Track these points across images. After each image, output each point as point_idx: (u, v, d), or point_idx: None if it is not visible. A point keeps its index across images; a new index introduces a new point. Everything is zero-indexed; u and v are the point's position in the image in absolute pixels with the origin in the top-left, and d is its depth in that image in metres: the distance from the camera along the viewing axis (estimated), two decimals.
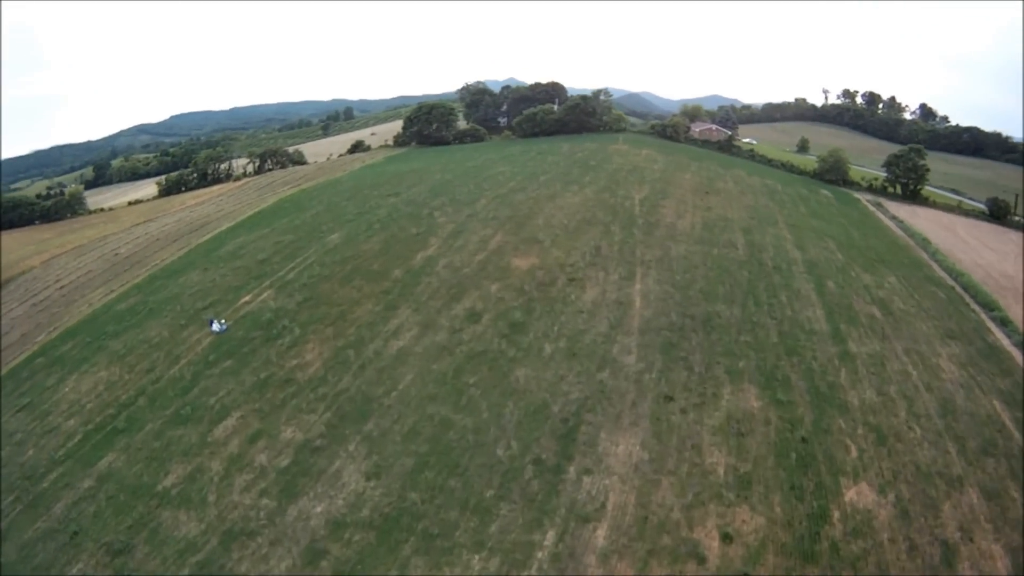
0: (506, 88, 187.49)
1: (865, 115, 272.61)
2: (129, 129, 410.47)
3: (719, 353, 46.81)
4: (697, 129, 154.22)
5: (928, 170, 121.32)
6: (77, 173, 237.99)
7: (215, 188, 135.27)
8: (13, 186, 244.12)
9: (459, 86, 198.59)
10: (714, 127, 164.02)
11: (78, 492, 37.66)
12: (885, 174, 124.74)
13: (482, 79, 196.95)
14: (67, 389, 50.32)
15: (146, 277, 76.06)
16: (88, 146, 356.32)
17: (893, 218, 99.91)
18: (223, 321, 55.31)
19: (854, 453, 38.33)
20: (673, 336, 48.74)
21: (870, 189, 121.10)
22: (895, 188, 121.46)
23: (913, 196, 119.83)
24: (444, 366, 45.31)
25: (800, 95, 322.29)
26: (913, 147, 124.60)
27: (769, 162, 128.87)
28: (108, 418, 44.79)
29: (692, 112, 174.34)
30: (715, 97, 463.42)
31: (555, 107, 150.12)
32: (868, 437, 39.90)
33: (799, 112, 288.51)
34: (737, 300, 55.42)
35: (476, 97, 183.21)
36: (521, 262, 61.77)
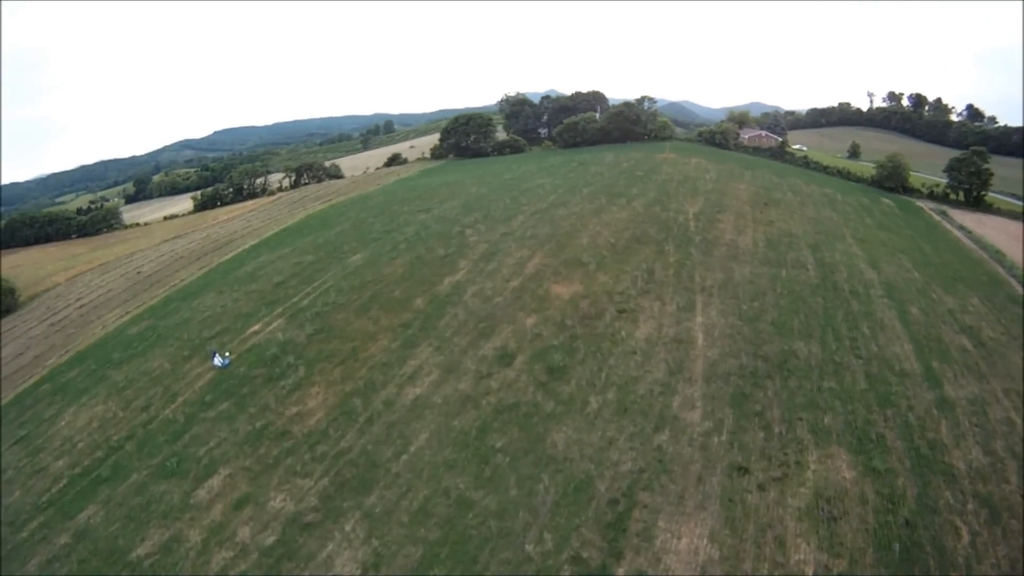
0: (546, 98, 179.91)
1: (913, 118, 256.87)
2: (173, 145, 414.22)
3: (800, 405, 37.53)
4: (746, 136, 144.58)
5: (992, 174, 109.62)
6: (120, 188, 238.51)
7: (248, 203, 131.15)
8: (58, 199, 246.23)
9: (499, 98, 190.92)
10: (764, 133, 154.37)
11: (54, 549, 32.84)
12: (945, 180, 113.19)
13: (522, 91, 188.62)
14: (63, 423, 45.72)
15: (162, 299, 71.46)
16: (133, 161, 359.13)
17: (960, 228, 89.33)
18: (227, 354, 49.01)
19: (966, 538, 29.20)
20: (745, 384, 39.49)
21: (931, 196, 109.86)
22: (957, 195, 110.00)
23: (977, 203, 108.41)
24: (467, 423, 37.08)
25: (843, 99, 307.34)
26: (976, 150, 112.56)
27: (824, 169, 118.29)
28: (96, 462, 39.66)
29: (740, 118, 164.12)
30: (756, 104, 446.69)
31: (597, 115, 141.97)
32: (979, 514, 30.69)
33: (844, 117, 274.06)
34: (815, 334, 45.89)
35: (515, 108, 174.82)
36: (562, 289, 53.06)
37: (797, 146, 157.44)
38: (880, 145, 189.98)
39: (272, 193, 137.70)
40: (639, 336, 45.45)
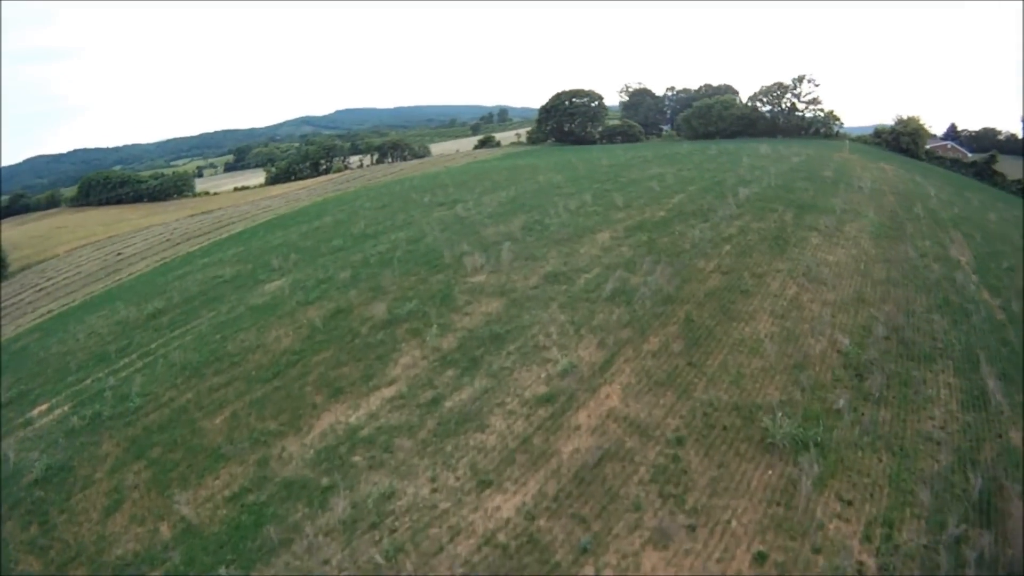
0: (670, 89, 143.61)
1: None
2: (294, 120, 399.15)
3: None
4: (928, 145, 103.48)
5: None
6: (229, 156, 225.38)
7: (310, 181, 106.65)
8: (172, 163, 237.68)
9: (619, 89, 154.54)
10: (949, 144, 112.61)
11: None
12: None
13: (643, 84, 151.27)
14: None
15: (81, 303, 46.52)
16: (251, 132, 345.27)
17: None
18: None
19: None
20: None
21: None
22: None
23: None
24: None
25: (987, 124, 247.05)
26: None
27: None
28: None
29: (914, 123, 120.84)
30: (877, 126, 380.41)
31: (736, 99, 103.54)
32: None
33: (994, 143, 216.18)
34: None
35: (635, 98, 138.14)
36: None
37: None
38: None
39: (338, 170, 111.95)
40: None
